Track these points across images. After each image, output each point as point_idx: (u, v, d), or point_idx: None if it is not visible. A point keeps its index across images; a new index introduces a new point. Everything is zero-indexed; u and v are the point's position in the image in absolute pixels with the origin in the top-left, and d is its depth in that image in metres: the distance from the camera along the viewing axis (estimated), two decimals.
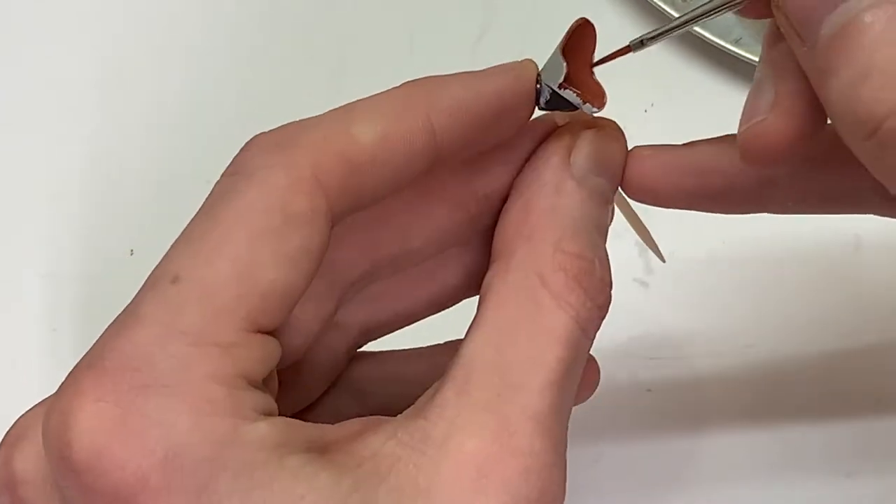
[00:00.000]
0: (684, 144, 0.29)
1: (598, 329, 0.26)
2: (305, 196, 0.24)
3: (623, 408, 0.34)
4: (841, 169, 0.28)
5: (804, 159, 0.28)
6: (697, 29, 0.42)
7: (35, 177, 0.43)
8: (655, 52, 0.44)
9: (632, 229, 0.31)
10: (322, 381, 0.30)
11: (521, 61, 0.27)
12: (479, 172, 0.28)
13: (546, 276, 0.25)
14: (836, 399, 0.38)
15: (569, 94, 0.27)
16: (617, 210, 0.30)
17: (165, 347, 0.23)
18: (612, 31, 0.45)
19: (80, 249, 0.42)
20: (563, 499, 0.24)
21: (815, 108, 0.24)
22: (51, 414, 0.23)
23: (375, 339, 0.32)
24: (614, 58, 0.28)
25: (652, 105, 0.43)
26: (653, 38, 0.27)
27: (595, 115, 0.28)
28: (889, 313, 0.40)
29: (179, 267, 0.24)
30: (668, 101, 0.43)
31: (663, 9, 0.42)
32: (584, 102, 0.27)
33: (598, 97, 0.27)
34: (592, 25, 0.27)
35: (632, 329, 0.37)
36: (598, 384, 0.32)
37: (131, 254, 0.41)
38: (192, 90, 0.44)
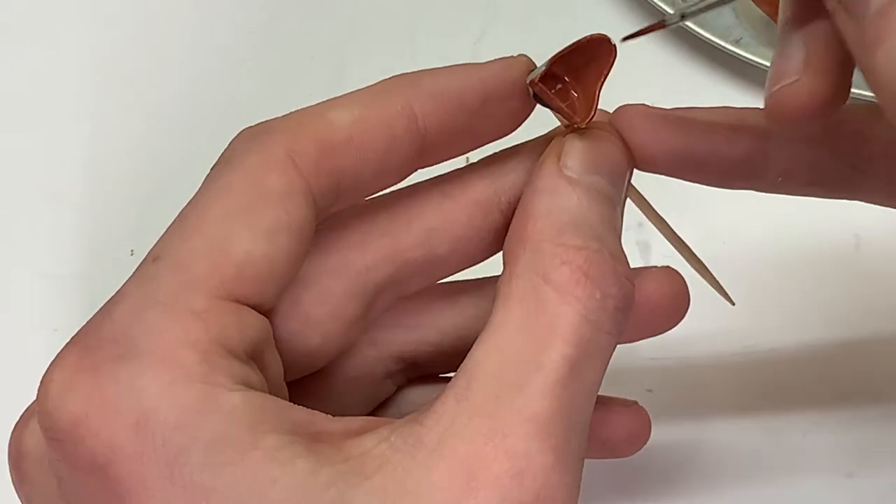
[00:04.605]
0: (676, 108, 0.29)
1: (619, 324, 0.25)
2: (279, 174, 0.25)
3: None
4: (835, 149, 0.29)
5: (799, 137, 0.28)
6: (697, 29, 0.42)
7: (35, 177, 0.43)
8: (655, 52, 0.44)
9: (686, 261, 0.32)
10: (360, 402, 0.30)
11: (515, 55, 0.28)
12: (500, 179, 0.28)
13: (549, 273, 0.24)
14: (836, 399, 0.38)
15: (546, 98, 0.27)
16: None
17: (140, 317, 0.23)
18: (613, 31, 0.45)
19: (80, 249, 0.42)
20: (569, 503, 0.23)
21: (847, 71, 0.25)
22: (39, 389, 0.24)
23: (425, 373, 0.31)
24: (646, 32, 0.28)
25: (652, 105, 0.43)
26: (693, 12, 0.27)
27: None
28: (889, 313, 0.40)
29: (160, 248, 0.25)
30: (668, 101, 0.43)
31: (663, 9, 0.42)
32: (566, 112, 0.27)
33: (584, 111, 0.27)
34: (610, 44, 0.27)
35: None
36: (646, 440, 0.32)
37: (131, 254, 0.40)
38: (192, 91, 0.44)
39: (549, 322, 0.24)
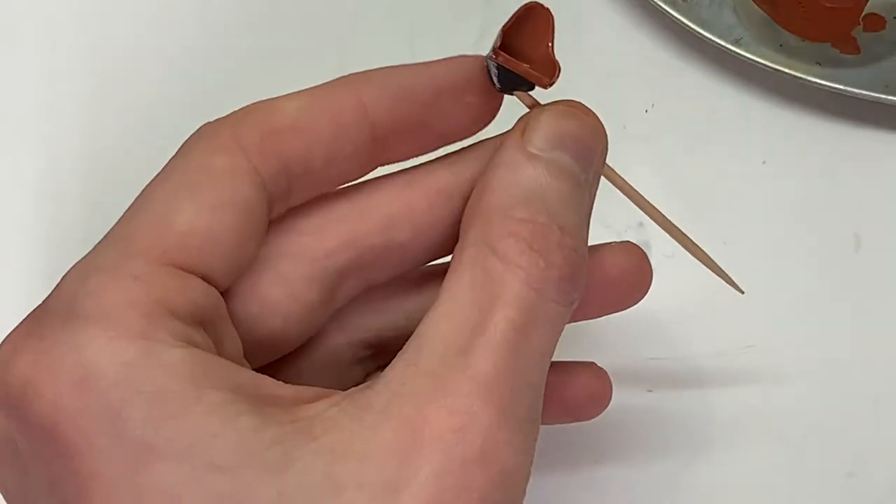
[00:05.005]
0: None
1: (567, 294, 0.25)
2: (223, 156, 0.26)
3: (623, 408, 0.34)
4: None
5: None
6: (697, 29, 0.42)
7: (35, 177, 0.43)
8: (655, 52, 0.44)
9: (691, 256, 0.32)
10: (331, 388, 0.30)
11: (469, 54, 0.28)
12: (463, 169, 0.29)
13: (496, 244, 0.25)
14: (836, 399, 0.38)
15: (510, 64, 0.27)
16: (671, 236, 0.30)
17: (82, 283, 0.24)
18: (613, 31, 0.45)
19: (80, 249, 0.42)
20: (516, 461, 0.24)
21: None
22: None
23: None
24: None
25: (652, 105, 0.43)
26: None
27: (557, 99, 0.27)
28: (889, 313, 0.40)
29: (110, 229, 0.26)
30: (668, 101, 0.43)
31: (664, 9, 0.42)
32: (532, 74, 0.27)
33: (548, 70, 0.27)
34: (543, 7, 0.27)
35: (632, 329, 0.37)
36: (608, 401, 0.33)
37: None
38: (192, 90, 0.44)
39: (495, 289, 0.25)
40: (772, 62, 0.41)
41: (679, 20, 0.42)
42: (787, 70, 0.41)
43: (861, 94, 0.41)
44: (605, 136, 0.28)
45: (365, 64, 0.45)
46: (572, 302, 0.26)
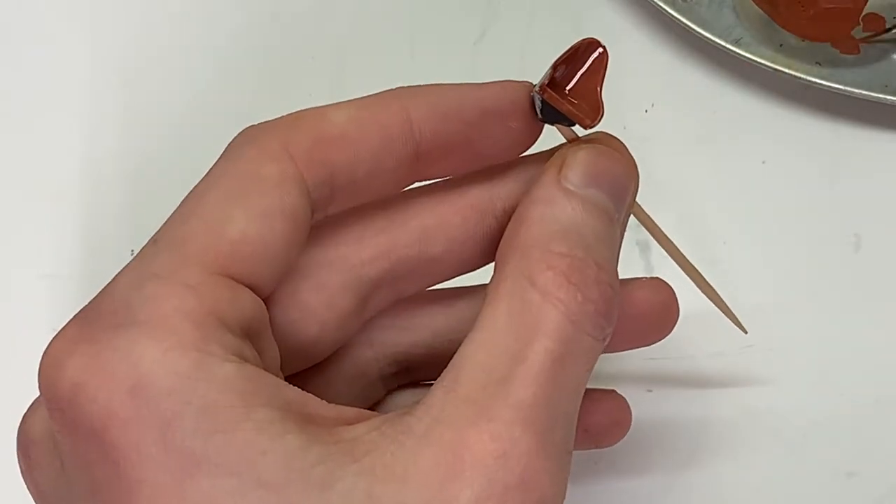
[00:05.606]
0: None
1: (602, 329, 0.26)
2: (273, 162, 0.26)
3: None
4: None
5: None
6: (697, 29, 0.42)
7: (35, 177, 0.43)
8: (655, 52, 0.44)
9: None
10: (354, 403, 0.30)
11: (516, 80, 0.28)
12: (497, 186, 0.29)
13: (535, 277, 0.25)
14: (836, 399, 0.38)
15: (554, 102, 0.27)
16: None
17: (138, 289, 0.24)
18: (613, 31, 0.45)
19: (80, 249, 0.42)
20: (554, 491, 0.24)
21: None
22: (40, 361, 0.24)
23: (416, 379, 0.32)
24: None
25: (652, 105, 0.43)
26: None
27: (594, 130, 0.28)
28: (889, 313, 0.40)
29: (159, 232, 0.26)
30: (668, 101, 0.43)
31: (663, 9, 0.42)
32: (575, 114, 0.27)
33: (592, 112, 0.27)
34: (600, 45, 0.27)
35: None
36: (628, 428, 0.33)
37: (131, 254, 0.40)
38: (192, 91, 0.44)
39: (534, 320, 0.25)
40: (772, 62, 0.41)
41: (679, 20, 0.42)
42: (787, 70, 0.41)
43: (861, 94, 0.41)
44: (638, 175, 0.28)
45: (365, 64, 0.45)
46: (605, 337, 0.26)
